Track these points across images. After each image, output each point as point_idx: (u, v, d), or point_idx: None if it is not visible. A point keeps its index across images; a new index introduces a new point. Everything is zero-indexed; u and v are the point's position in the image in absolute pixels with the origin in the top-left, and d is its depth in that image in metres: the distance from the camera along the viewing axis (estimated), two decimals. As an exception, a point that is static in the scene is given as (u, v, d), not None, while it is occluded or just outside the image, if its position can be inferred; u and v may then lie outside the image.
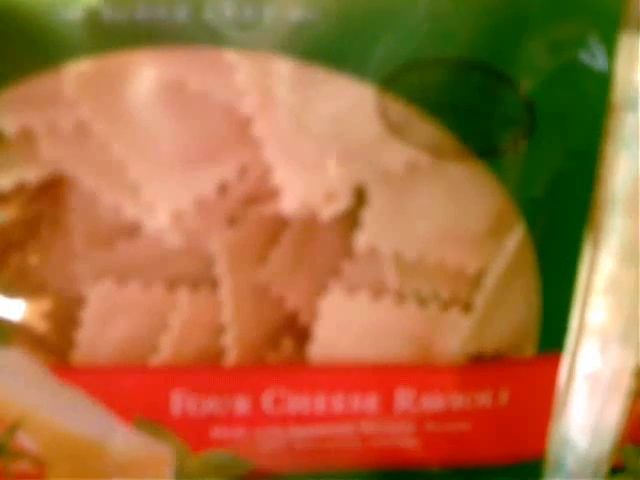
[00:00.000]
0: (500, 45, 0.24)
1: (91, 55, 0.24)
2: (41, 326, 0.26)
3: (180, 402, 0.27)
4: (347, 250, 0.26)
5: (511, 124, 0.24)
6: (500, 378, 0.27)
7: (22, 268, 0.26)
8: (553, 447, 0.29)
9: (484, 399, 0.27)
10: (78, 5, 0.23)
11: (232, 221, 0.25)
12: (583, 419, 0.29)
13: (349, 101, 0.24)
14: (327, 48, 0.24)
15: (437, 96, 0.24)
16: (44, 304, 0.26)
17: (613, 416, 0.29)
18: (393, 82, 0.23)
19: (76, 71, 0.24)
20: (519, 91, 0.24)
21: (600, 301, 0.27)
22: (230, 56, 0.24)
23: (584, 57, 0.24)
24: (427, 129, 0.24)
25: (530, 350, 0.28)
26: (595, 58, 0.24)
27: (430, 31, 0.24)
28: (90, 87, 0.24)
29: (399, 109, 0.24)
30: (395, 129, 0.24)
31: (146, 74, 0.24)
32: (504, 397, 0.27)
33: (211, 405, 0.27)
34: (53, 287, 0.26)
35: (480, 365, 0.27)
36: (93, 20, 0.23)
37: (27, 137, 0.25)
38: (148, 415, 0.26)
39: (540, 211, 0.26)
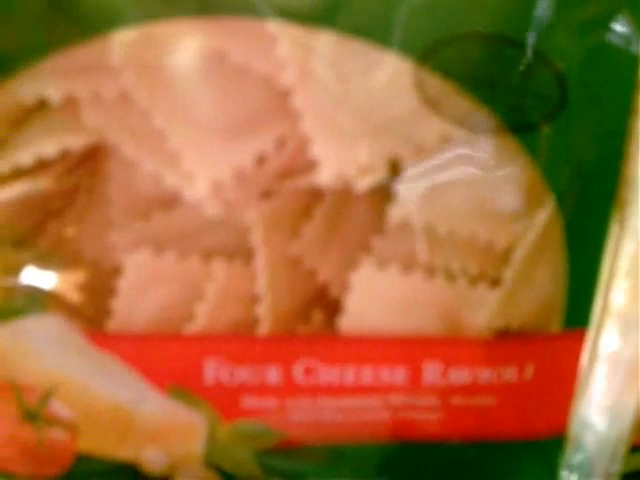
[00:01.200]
0: (533, 22, 0.24)
1: (136, 24, 0.24)
2: (75, 297, 0.26)
3: (213, 371, 0.27)
4: (379, 224, 0.26)
5: (543, 100, 0.24)
6: (526, 353, 0.28)
7: (59, 237, 0.26)
8: (573, 426, 0.29)
9: (509, 374, 0.27)
10: (126, -24, 0.23)
11: (268, 193, 0.26)
12: (602, 400, 0.29)
13: (386, 75, 0.25)
14: (367, 21, 0.24)
15: (473, 71, 0.24)
16: (79, 275, 0.26)
17: (632, 398, 0.29)
18: (430, 56, 0.24)
19: (121, 40, 0.24)
20: (552, 67, 0.24)
21: (622, 284, 0.27)
22: (272, 28, 0.24)
23: (614, 37, 0.25)
24: (462, 104, 0.25)
25: (556, 326, 0.28)
26: (625, 38, 0.25)
27: (467, 6, 0.24)
28: (134, 56, 0.24)
29: (436, 83, 0.24)
30: (431, 103, 0.24)
31: (189, 44, 0.25)
32: (529, 372, 0.28)
33: (243, 374, 0.27)
34: (89, 257, 0.26)
35: (506, 340, 0.27)
36: (139, -10, 0.23)
37: (71, 105, 0.25)
38: (181, 383, 0.27)
39: (570, 188, 0.26)
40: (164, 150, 0.25)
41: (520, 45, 0.24)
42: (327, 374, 0.27)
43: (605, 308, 0.28)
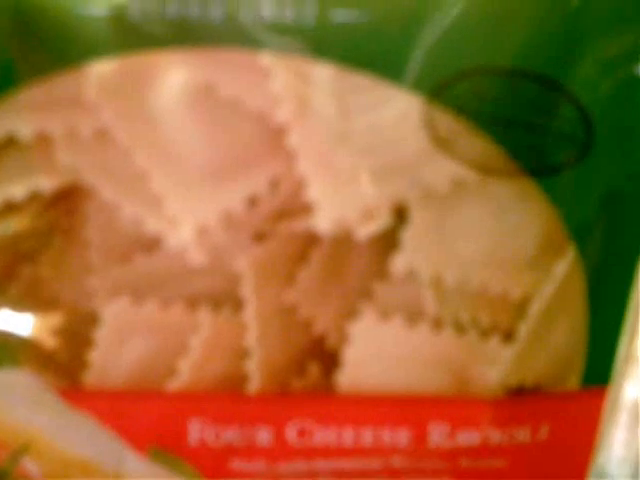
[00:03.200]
0: (556, 55, 0.22)
1: (115, 55, 0.22)
2: (51, 342, 0.25)
3: (198, 431, 0.25)
4: (381, 271, 0.24)
5: (567, 141, 0.22)
6: (540, 413, 0.26)
7: (33, 281, 0.24)
8: (592, 481, 0.26)
9: (522, 435, 0.25)
10: (103, 1, 0.21)
11: (260, 237, 0.24)
12: (624, 452, 0.27)
13: (393, 112, 0.23)
14: (371, 53, 0.22)
15: (488, 108, 0.22)
16: (55, 319, 0.25)
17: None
18: (441, 92, 0.22)
19: (99, 72, 0.22)
20: (576, 105, 0.22)
21: None
22: (265, 60, 0.22)
23: (643, 71, 0.22)
24: (476, 143, 0.22)
25: (573, 383, 0.26)
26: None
27: (482, 39, 0.22)
28: (113, 90, 0.22)
29: (447, 121, 0.22)
30: (442, 143, 0.22)
31: (174, 77, 0.23)
32: (544, 432, 0.26)
33: (231, 435, 0.25)
34: (65, 302, 0.24)
35: (520, 398, 0.25)
36: (119, 17, 0.22)
37: (44, 142, 0.23)
38: (163, 444, 0.25)
39: (593, 235, 0.24)
40: (146, 192, 0.23)
41: (541, 80, 0.22)
42: (323, 435, 0.25)
43: (628, 356, 0.26)
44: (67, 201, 0.24)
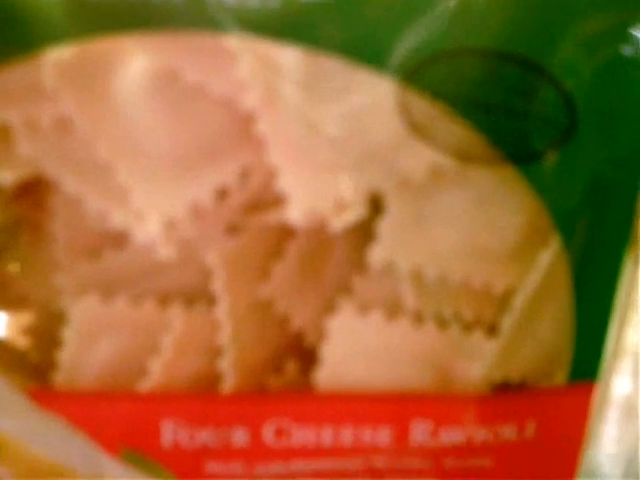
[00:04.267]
0: (538, 37, 0.21)
1: (74, 40, 0.21)
2: (22, 342, 0.24)
3: (171, 432, 0.24)
4: (359, 265, 0.23)
5: (549, 125, 0.21)
6: (527, 409, 0.25)
7: (3, 280, 0.24)
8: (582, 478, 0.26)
9: (508, 432, 0.24)
10: (60, -18, 0.20)
11: (231, 230, 0.22)
12: (615, 449, 0.27)
13: (366, 97, 0.22)
14: (342, 36, 0.21)
15: (466, 92, 0.21)
16: (24, 317, 0.24)
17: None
18: (417, 75, 0.21)
19: (56, 58, 0.21)
20: (559, 87, 0.21)
21: (637, 320, 0.25)
22: (231, 43, 0.21)
23: (627, 50, 0.22)
24: (454, 129, 0.22)
25: (560, 378, 0.25)
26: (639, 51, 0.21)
27: (459, 19, 0.21)
28: (72, 77, 0.22)
29: (423, 106, 0.21)
30: (418, 129, 0.21)
31: (136, 63, 0.22)
32: (530, 430, 0.25)
33: (205, 436, 0.24)
34: (34, 300, 0.24)
35: (505, 395, 0.25)
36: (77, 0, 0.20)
37: (3, 133, 0.22)
38: (136, 446, 0.24)
39: (578, 223, 0.23)
40: (110, 184, 0.22)
41: (522, 62, 0.20)
42: (301, 435, 0.24)
43: (617, 349, 0.25)
44: (31, 195, 0.23)
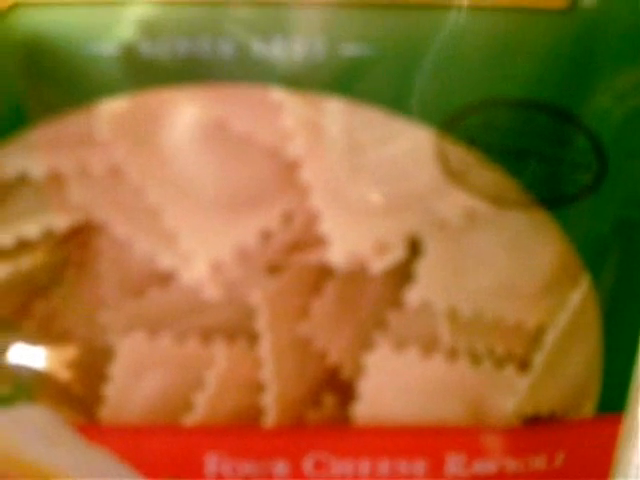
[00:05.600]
0: (568, 86, 0.22)
1: (126, 93, 0.22)
2: (66, 376, 0.24)
3: (215, 465, 0.25)
4: (396, 302, 0.24)
5: (580, 170, 0.22)
6: (556, 441, 0.26)
7: (47, 315, 0.24)
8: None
9: (539, 463, 0.25)
10: (113, 39, 0.21)
11: (273, 270, 0.23)
12: None
13: (405, 145, 0.22)
14: (383, 87, 0.22)
15: (500, 140, 0.22)
16: (69, 352, 0.24)
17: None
18: (453, 125, 0.22)
19: (110, 110, 0.22)
20: (589, 135, 0.21)
21: None
22: (277, 95, 0.22)
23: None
24: (488, 175, 0.22)
25: (588, 410, 0.26)
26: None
27: (492, 70, 0.22)
28: (124, 127, 0.22)
29: (459, 154, 0.22)
30: (454, 175, 0.22)
31: (185, 114, 0.22)
32: (559, 460, 0.26)
33: (248, 469, 0.25)
34: (79, 336, 0.24)
35: (535, 427, 0.25)
36: (129, 55, 0.22)
37: (55, 180, 0.23)
38: (180, 478, 0.25)
39: (607, 263, 0.24)
40: (159, 228, 0.23)
41: (553, 111, 0.21)
42: (340, 467, 0.25)
43: None
44: (80, 237, 0.24)
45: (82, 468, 0.25)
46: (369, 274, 0.23)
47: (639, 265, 0.24)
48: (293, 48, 0.21)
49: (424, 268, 0.23)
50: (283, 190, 0.23)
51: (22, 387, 0.25)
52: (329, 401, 0.25)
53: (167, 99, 0.22)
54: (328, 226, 0.23)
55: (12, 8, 0.21)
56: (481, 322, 0.24)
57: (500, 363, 0.24)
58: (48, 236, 0.23)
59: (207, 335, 0.24)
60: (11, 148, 0.23)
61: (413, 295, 0.23)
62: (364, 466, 0.25)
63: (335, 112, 0.22)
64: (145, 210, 0.23)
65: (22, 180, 0.23)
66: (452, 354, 0.24)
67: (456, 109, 0.22)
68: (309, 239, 0.23)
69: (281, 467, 0.24)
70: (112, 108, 0.22)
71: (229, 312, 0.24)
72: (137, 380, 0.24)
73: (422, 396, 0.25)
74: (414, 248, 0.23)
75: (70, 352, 0.25)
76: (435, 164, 0.22)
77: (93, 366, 0.25)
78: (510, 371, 0.25)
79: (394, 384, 0.25)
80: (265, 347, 0.24)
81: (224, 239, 0.23)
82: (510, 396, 0.25)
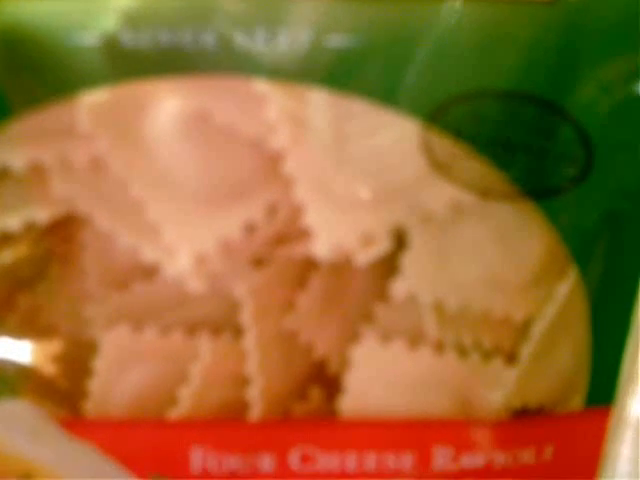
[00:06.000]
0: (554, 77, 0.22)
1: (108, 84, 0.22)
2: (50, 370, 0.24)
3: (200, 459, 0.25)
4: (382, 295, 0.24)
5: (567, 162, 0.22)
6: (544, 434, 0.25)
7: (31, 309, 0.24)
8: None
9: (527, 456, 0.25)
10: (95, 30, 0.21)
11: (258, 263, 0.23)
12: (629, 468, 0.27)
13: (390, 137, 0.22)
14: (369, 79, 0.22)
15: (486, 131, 0.22)
16: (54, 346, 0.24)
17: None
18: (439, 116, 0.21)
19: (91, 102, 0.22)
20: (576, 126, 0.21)
21: None
22: (260, 86, 0.22)
23: (641, 90, 0.22)
24: (474, 167, 0.22)
25: (577, 403, 0.26)
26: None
27: (479, 61, 0.22)
28: (106, 119, 0.22)
29: (445, 145, 0.22)
30: (440, 167, 0.22)
31: (168, 105, 0.22)
32: (548, 453, 0.25)
33: (233, 463, 0.25)
34: (64, 330, 0.24)
35: (523, 420, 0.25)
36: (111, 46, 0.21)
37: (37, 173, 0.23)
38: (165, 473, 0.25)
39: (594, 255, 0.24)
40: (142, 221, 0.23)
41: (539, 102, 0.21)
42: (326, 461, 0.25)
43: (631, 374, 0.26)
44: (63, 229, 0.23)
45: (67, 463, 0.25)
46: (354, 267, 0.23)
47: (626, 257, 0.24)
48: (277, 39, 0.21)
49: (410, 260, 0.23)
50: (267, 182, 0.23)
51: (6, 382, 0.25)
52: (315, 394, 0.24)
53: (149, 90, 0.22)
54: (313, 218, 0.23)
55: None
56: (468, 315, 0.24)
57: (487, 356, 0.24)
58: (30, 229, 0.23)
59: (192, 328, 0.24)
60: (-9, 141, 0.22)
61: (399, 288, 0.23)
62: (351, 459, 0.24)
63: (319, 103, 0.22)
64: (128, 203, 0.23)
65: (3, 173, 0.23)
66: (439, 347, 0.24)
67: (442, 100, 0.22)
68: (294, 232, 0.23)
69: (267, 461, 0.24)
70: (94, 99, 0.22)
71: (213, 305, 0.24)
72: (121, 374, 0.24)
73: (409, 389, 0.25)
74: (400, 240, 0.23)
75: (54, 346, 0.24)
76: (421, 156, 0.22)
77: (77, 360, 0.24)
78: (497, 364, 0.25)
79: (381, 377, 0.25)
80: (250, 340, 0.24)
81: (208, 232, 0.23)
82: (498, 389, 0.25)
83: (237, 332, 0.24)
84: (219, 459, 0.24)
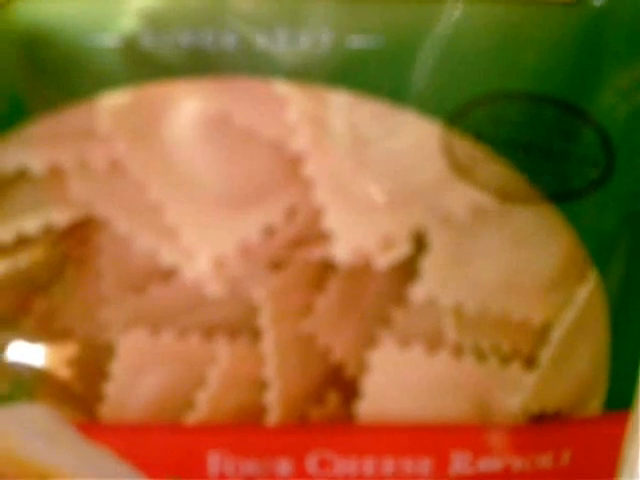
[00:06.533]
0: (575, 80, 0.22)
1: (128, 86, 0.22)
2: (66, 373, 0.24)
3: (217, 464, 0.25)
4: (400, 299, 0.24)
5: (588, 165, 0.22)
6: (562, 438, 0.25)
7: (47, 312, 0.24)
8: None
9: (544, 461, 0.25)
10: (115, 31, 0.21)
11: (276, 266, 0.23)
12: None
13: (411, 139, 0.22)
14: (389, 80, 0.22)
15: (507, 134, 0.22)
16: (69, 349, 0.24)
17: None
18: (460, 118, 0.21)
19: (111, 103, 0.22)
20: (597, 129, 0.21)
21: None
22: (281, 88, 0.22)
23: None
24: (495, 169, 0.22)
25: (595, 407, 0.26)
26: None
27: (500, 63, 0.22)
28: (126, 121, 0.22)
29: (466, 148, 0.22)
30: (461, 169, 0.21)
31: (188, 107, 0.22)
32: (566, 458, 0.25)
33: (251, 467, 0.25)
34: (80, 333, 0.24)
35: (541, 425, 0.25)
36: (131, 47, 0.21)
37: (56, 175, 0.23)
38: (183, 477, 0.24)
39: (614, 259, 0.24)
40: (160, 224, 0.23)
41: (561, 105, 0.21)
42: (344, 466, 0.25)
43: None
44: (80, 232, 0.23)
45: (82, 467, 0.25)
46: (374, 270, 0.23)
47: (647, 261, 0.23)
48: (298, 40, 0.21)
49: (429, 264, 0.23)
50: (287, 185, 0.22)
51: (22, 385, 0.24)
52: (333, 399, 0.24)
53: (169, 92, 0.22)
54: (332, 221, 0.22)
55: (12, 0, 0.21)
56: (487, 318, 0.24)
57: (506, 360, 0.24)
58: (48, 232, 0.23)
59: (209, 332, 0.24)
60: (10, 143, 0.23)
61: (418, 291, 0.23)
62: (368, 464, 0.24)
63: (340, 105, 0.22)
64: (147, 205, 0.23)
65: (22, 175, 0.23)
66: (457, 351, 0.24)
67: (463, 102, 0.22)
68: (313, 234, 0.23)
69: (284, 466, 0.24)
70: (113, 101, 0.21)
71: (232, 309, 0.24)
72: (138, 378, 0.24)
73: (427, 393, 0.25)
74: (419, 244, 0.23)
75: (70, 349, 0.24)
76: (441, 158, 0.22)
77: (93, 364, 0.24)
78: (516, 368, 0.25)
79: (398, 381, 0.25)
80: (268, 344, 0.23)
81: (227, 235, 0.23)
82: (516, 393, 0.25)
83: (255, 336, 0.23)
84: (236, 464, 0.24)
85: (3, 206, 0.23)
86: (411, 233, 0.23)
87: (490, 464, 0.25)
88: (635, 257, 0.24)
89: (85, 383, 0.24)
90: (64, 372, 0.24)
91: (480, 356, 0.24)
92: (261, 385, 0.24)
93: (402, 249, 0.23)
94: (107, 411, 0.24)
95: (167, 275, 0.23)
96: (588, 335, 0.24)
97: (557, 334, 0.24)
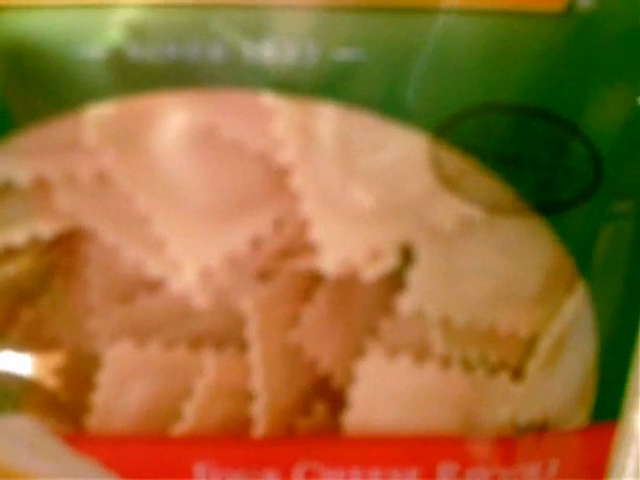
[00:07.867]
0: (564, 92, 0.22)
1: (114, 98, 0.22)
2: (52, 383, 0.24)
3: (204, 475, 0.24)
4: (388, 310, 0.24)
5: (576, 177, 0.22)
6: (550, 449, 0.25)
7: (34, 322, 0.24)
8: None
9: (532, 471, 0.25)
10: (101, 43, 0.21)
11: (263, 277, 0.23)
12: None
13: (398, 151, 0.22)
14: (376, 92, 0.22)
15: (495, 146, 0.22)
16: (57, 359, 0.24)
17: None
18: (447, 130, 0.21)
19: (97, 115, 0.22)
20: (585, 141, 0.21)
21: None
22: (268, 100, 0.22)
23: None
24: (483, 182, 0.22)
25: (583, 418, 0.26)
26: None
27: (488, 75, 0.22)
28: (112, 133, 0.22)
29: (453, 160, 0.22)
30: (448, 182, 0.21)
31: (174, 119, 0.22)
32: (553, 469, 0.25)
33: (237, 478, 0.25)
34: (67, 344, 0.24)
35: (529, 435, 0.25)
36: (117, 59, 0.21)
37: (42, 187, 0.23)
38: (169, 489, 0.23)
39: (601, 270, 0.24)
40: (147, 235, 0.23)
41: (549, 117, 0.21)
42: (330, 477, 0.25)
43: (638, 388, 0.26)
44: (67, 243, 0.23)
45: (69, 478, 0.24)
46: (361, 282, 0.23)
47: (634, 271, 0.23)
48: (284, 52, 0.21)
49: (417, 276, 0.23)
50: (274, 196, 0.22)
51: (8, 395, 0.24)
52: (320, 410, 0.24)
53: (156, 104, 0.22)
54: (319, 233, 0.22)
55: (-3, 11, 0.21)
56: (474, 330, 0.24)
57: (493, 371, 0.24)
58: (34, 243, 0.23)
59: (196, 343, 0.24)
60: (-5, 154, 0.22)
61: (405, 303, 0.23)
62: (355, 475, 0.24)
63: (327, 117, 0.22)
64: (133, 217, 0.23)
65: (7, 187, 0.23)
66: (445, 362, 0.24)
67: (450, 114, 0.21)
68: (300, 246, 0.23)
69: (271, 477, 0.24)
70: (100, 113, 0.21)
71: (218, 320, 0.24)
72: (125, 388, 0.24)
73: (414, 404, 0.25)
74: (407, 256, 0.23)
75: (57, 360, 0.24)
76: (429, 170, 0.22)
77: (80, 374, 0.24)
78: (503, 379, 0.24)
79: (386, 392, 0.24)
80: (255, 355, 0.23)
81: (214, 246, 0.23)
82: (503, 404, 0.25)
83: (242, 347, 0.23)
84: (223, 475, 0.24)
85: (-12, 218, 0.22)
86: (398, 245, 0.23)
87: (477, 475, 0.25)
88: (623, 269, 0.24)
89: (72, 393, 0.24)
90: (51, 382, 0.24)
91: (468, 367, 0.24)
92: (248, 396, 0.24)
93: (389, 261, 0.23)
94: (94, 421, 0.24)
95: (154, 286, 0.23)
96: (576, 346, 0.24)
97: (545, 345, 0.24)
